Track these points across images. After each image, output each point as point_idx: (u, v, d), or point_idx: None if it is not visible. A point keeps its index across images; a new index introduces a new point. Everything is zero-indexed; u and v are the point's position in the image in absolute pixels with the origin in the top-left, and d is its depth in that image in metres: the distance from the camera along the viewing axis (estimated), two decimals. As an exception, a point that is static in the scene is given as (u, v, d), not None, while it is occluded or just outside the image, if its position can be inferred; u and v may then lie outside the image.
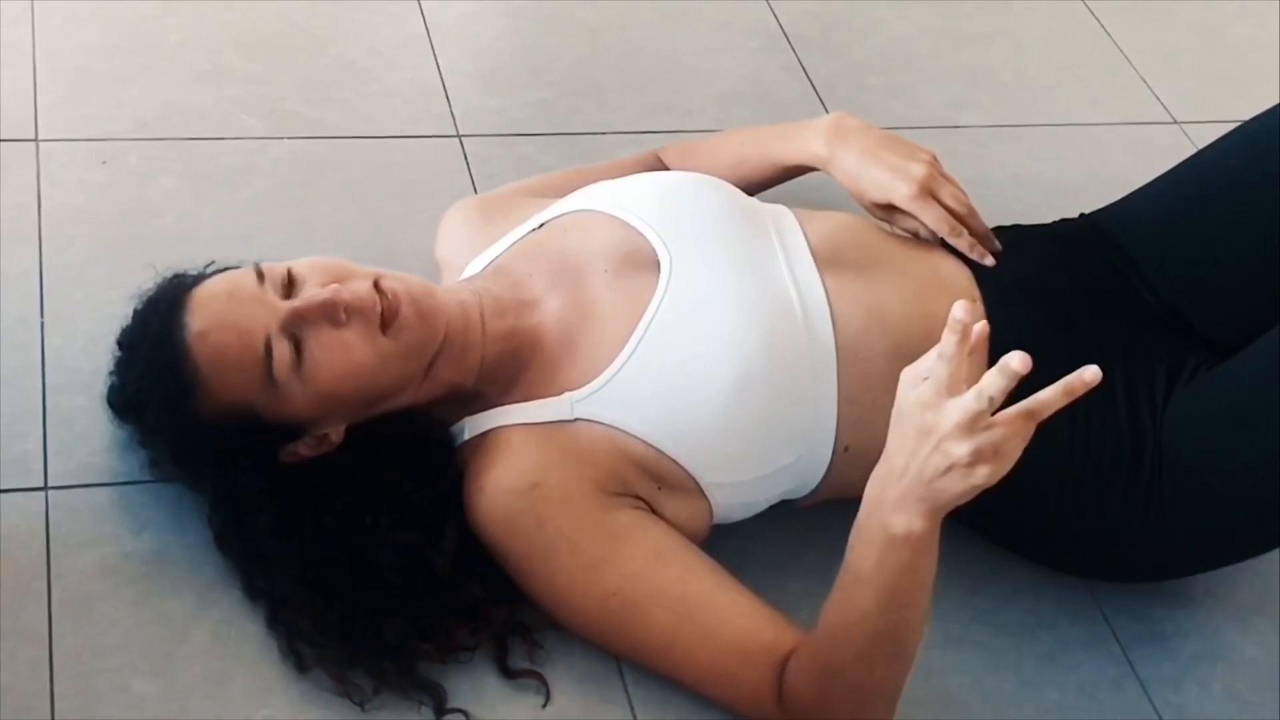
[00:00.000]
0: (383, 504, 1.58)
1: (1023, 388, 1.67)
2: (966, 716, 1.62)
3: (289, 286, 1.54)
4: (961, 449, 1.30)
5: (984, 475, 1.32)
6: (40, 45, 2.17)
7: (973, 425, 1.30)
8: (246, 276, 1.54)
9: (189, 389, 1.52)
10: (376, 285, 1.54)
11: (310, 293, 1.53)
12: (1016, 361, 1.28)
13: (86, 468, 1.67)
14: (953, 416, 1.30)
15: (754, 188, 1.89)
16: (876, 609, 1.40)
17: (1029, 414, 1.30)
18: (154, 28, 2.25)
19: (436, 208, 1.90)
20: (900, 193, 1.74)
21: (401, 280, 1.57)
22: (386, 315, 1.53)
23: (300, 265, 1.57)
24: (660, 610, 1.53)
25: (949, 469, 1.31)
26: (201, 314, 1.52)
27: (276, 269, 1.55)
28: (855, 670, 1.44)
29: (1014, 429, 1.30)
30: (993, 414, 1.30)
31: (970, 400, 1.30)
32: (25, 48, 2.16)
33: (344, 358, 1.52)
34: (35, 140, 2.04)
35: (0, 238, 1.89)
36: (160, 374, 1.53)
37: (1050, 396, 1.30)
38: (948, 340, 1.32)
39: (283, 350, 1.51)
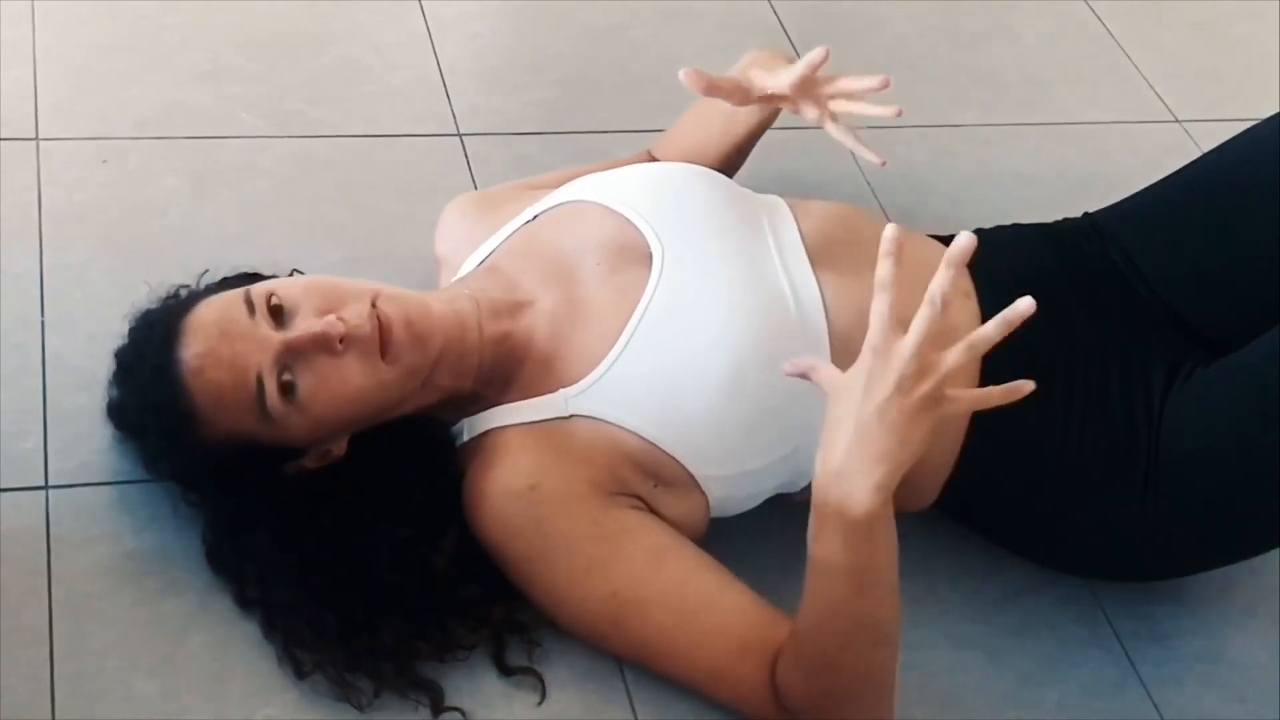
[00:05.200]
0: (382, 505, 1.59)
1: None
2: (967, 716, 1.62)
3: (280, 314, 1.52)
4: (924, 385, 1.35)
5: (934, 415, 1.36)
6: (41, 44, 2.17)
7: (924, 354, 1.35)
8: (237, 308, 1.52)
9: (187, 422, 1.52)
10: (372, 307, 1.53)
11: (305, 324, 1.51)
12: (940, 294, 1.35)
13: (87, 467, 1.67)
14: (910, 343, 1.35)
15: (755, 135, 1.93)
16: (851, 595, 1.41)
17: (970, 346, 1.35)
18: (155, 27, 2.25)
19: (437, 207, 1.90)
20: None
21: (396, 300, 1.55)
22: (383, 342, 1.52)
23: (293, 290, 1.55)
24: (660, 610, 1.53)
25: (918, 402, 1.35)
26: (195, 348, 1.51)
27: (263, 293, 1.53)
28: (840, 662, 1.45)
29: (959, 361, 1.35)
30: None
31: (926, 313, 1.35)
32: (26, 47, 2.16)
33: (340, 387, 1.52)
34: (36, 139, 2.04)
35: (0, 237, 1.89)
36: (158, 408, 1.53)
37: (991, 330, 1.35)
38: (885, 266, 1.36)
39: (273, 385, 1.50)
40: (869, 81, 1.68)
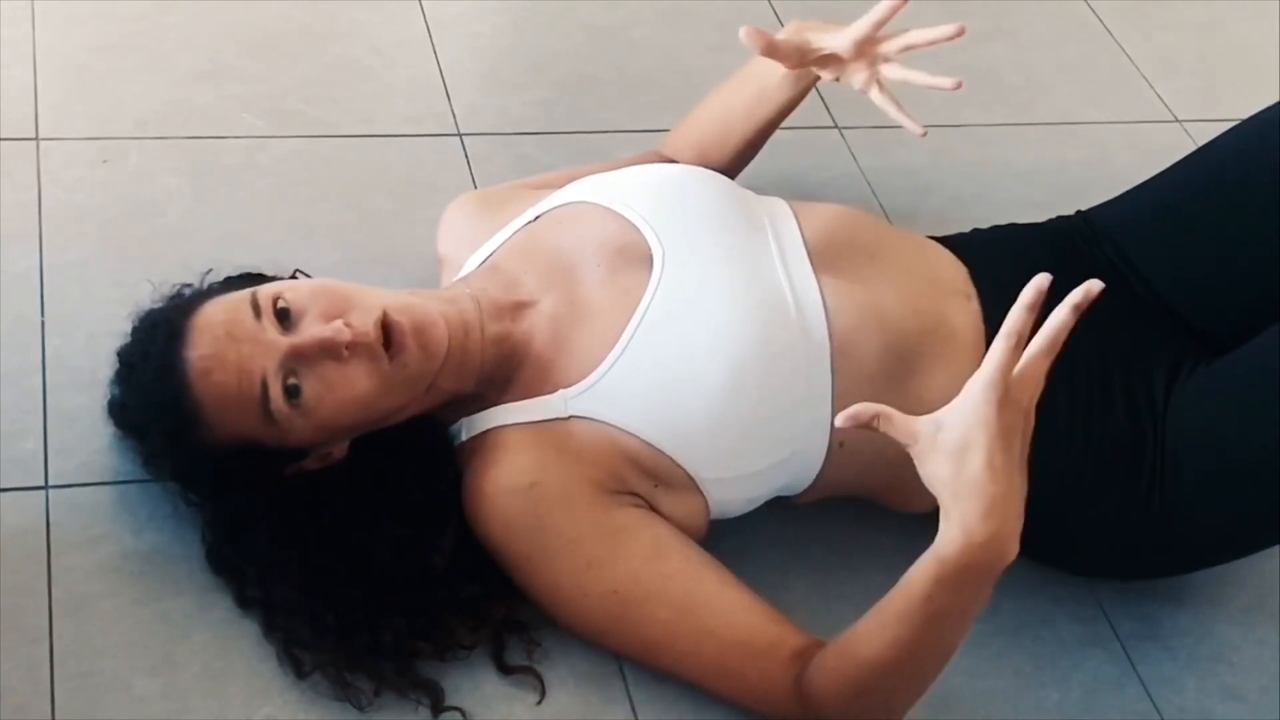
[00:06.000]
0: (381, 504, 1.59)
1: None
2: (967, 716, 1.62)
3: (286, 317, 1.52)
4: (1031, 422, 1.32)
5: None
6: (41, 44, 2.17)
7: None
8: (244, 310, 1.52)
9: (191, 423, 1.51)
10: (383, 318, 1.52)
11: (312, 329, 1.51)
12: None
13: (87, 467, 1.67)
14: (1033, 392, 1.31)
15: (780, 114, 1.91)
16: (955, 635, 1.42)
17: (1052, 344, 1.31)
18: (154, 26, 2.25)
19: (437, 206, 1.90)
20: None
21: (405, 310, 1.55)
22: (391, 350, 1.52)
23: (300, 293, 1.55)
24: (661, 607, 1.53)
25: (1025, 449, 1.33)
26: (201, 349, 1.51)
27: (269, 295, 1.53)
28: (908, 686, 1.46)
29: (1045, 367, 1.32)
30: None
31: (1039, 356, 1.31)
32: (26, 47, 2.16)
33: (346, 393, 1.52)
34: (36, 139, 2.03)
35: (0, 237, 1.89)
36: (161, 408, 1.53)
37: (1063, 317, 1.31)
38: (1022, 318, 1.31)
39: (278, 389, 1.50)
40: (941, 30, 1.66)
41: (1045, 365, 1.31)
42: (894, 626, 1.41)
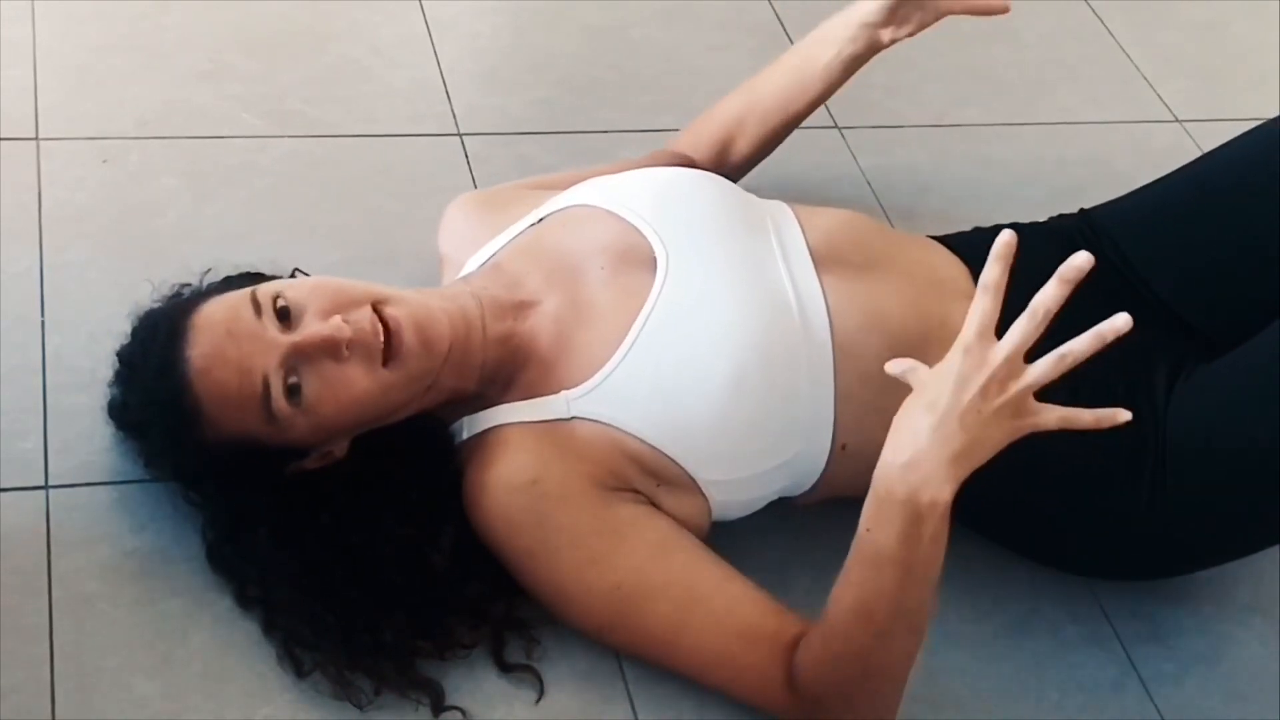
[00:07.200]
0: (382, 502, 1.59)
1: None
2: (967, 716, 1.62)
3: (286, 315, 1.52)
4: (1018, 384, 1.35)
5: (1016, 425, 1.36)
6: (41, 44, 2.17)
7: (1015, 362, 1.35)
8: (244, 308, 1.52)
9: (192, 421, 1.51)
10: (378, 313, 1.53)
11: (312, 327, 1.51)
12: (1071, 271, 1.34)
13: (87, 467, 1.67)
14: (1005, 348, 1.35)
15: (814, 104, 1.98)
16: (897, 586, 1.41)
17: (1060, 357, 1.35)
18: (155, 26, 2.25)
19: (437, 206, 1.90)
20: None
21: (403, 304, 1.55)
22: (389, 347, 1.52)
23: (300, 291, 1.55)
24: (665, 602, 1.53)
25: (999, 408, 1.35)
26: (202, 348, 1.51)
27: (269, 294, 1.53)
28: (873, 650, 1.45)
29: (1047, 371, 1.35)
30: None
31: (1025, 324, 1.34)
32: (26, 46, 2.16)
33: (346, 391, 1.52)
34: (36, 139, 2.03)
35: (0, 237, 1.89)
36: (162, 406, 1.53)
37: (1083, 343, 1.35)
38: (995, 269, 1.36)
39: (279, 387, 1.50)
40: None
41: (1030, 334, 1.35)
42: (847, 583, 1.43)
